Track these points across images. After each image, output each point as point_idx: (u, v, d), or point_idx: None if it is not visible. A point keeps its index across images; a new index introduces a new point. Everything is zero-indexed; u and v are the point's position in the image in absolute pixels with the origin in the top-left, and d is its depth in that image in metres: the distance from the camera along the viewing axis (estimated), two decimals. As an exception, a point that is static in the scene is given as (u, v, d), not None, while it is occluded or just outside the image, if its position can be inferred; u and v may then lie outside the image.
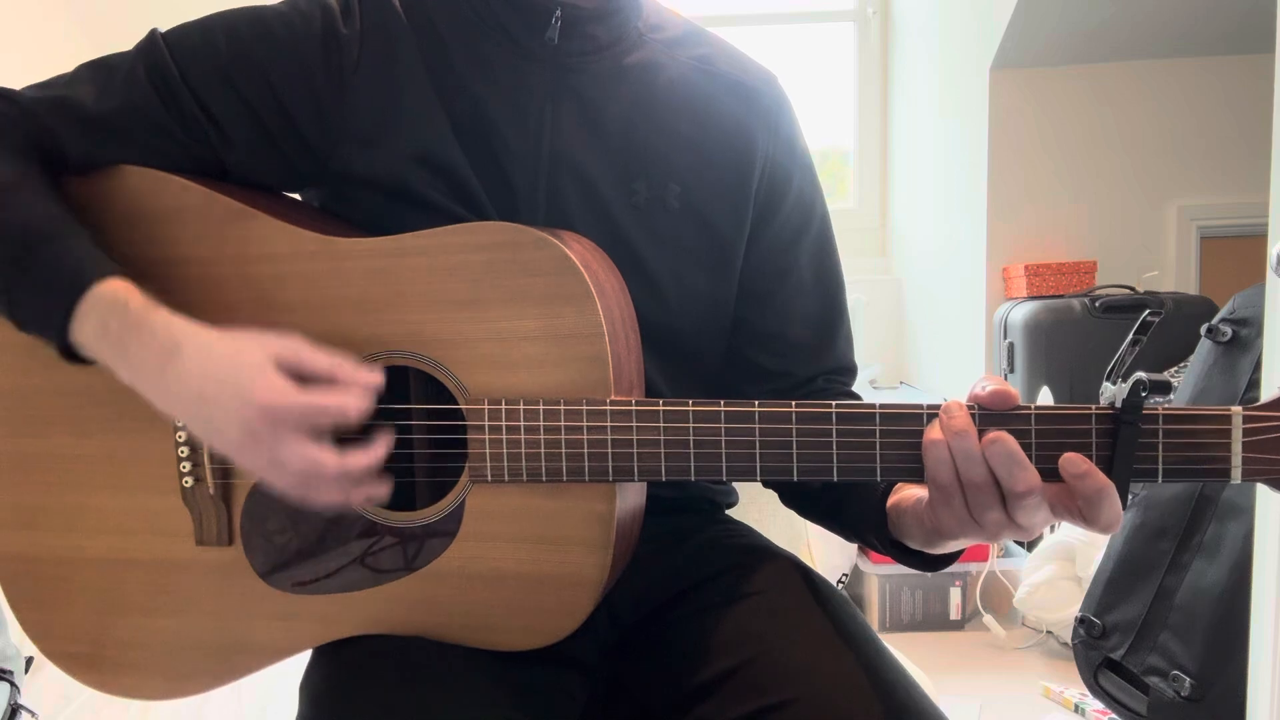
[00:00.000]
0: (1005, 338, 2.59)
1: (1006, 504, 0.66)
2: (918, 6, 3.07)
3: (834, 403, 0.71)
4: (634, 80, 0.89)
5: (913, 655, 0.92)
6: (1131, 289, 2.52)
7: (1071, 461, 0.65)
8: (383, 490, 0.74)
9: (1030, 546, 2.38)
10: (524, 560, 0.77)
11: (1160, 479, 0.67)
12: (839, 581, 2.43)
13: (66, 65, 0.86)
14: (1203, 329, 1.89)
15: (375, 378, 0.73)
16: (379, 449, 0.73)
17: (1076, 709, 1.97)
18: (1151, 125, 2.65)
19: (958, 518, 0.67)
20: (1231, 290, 1.93)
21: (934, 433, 0.67)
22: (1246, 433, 0.65)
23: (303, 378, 0.71)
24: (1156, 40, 2.53)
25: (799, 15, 3.33)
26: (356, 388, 0.72)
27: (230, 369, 0.71)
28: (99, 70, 0.84)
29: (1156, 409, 0.66)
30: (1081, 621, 1.94)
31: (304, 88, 0.84)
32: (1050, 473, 0.66)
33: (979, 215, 2.72)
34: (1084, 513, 0.66)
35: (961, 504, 0.67)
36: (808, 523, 0.98)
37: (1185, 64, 2.60)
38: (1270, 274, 1.34)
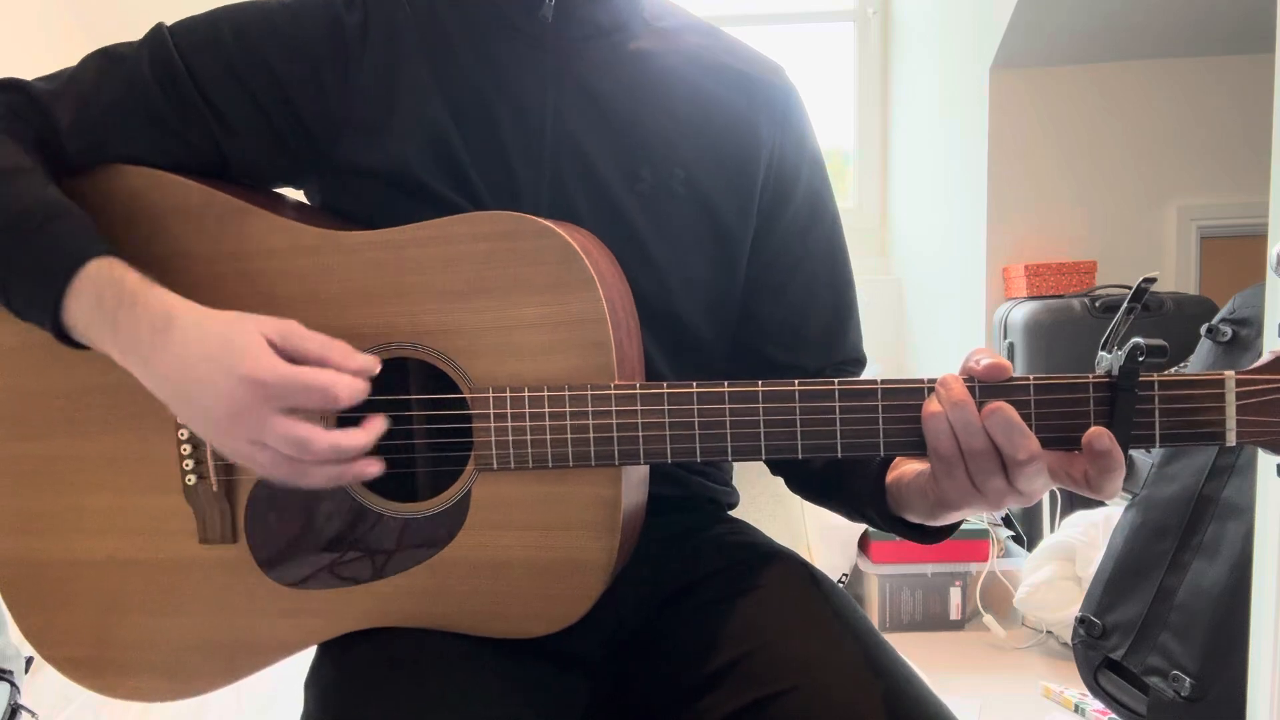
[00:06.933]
0: (1005, 338, 2.59)
1: (1008, 471, 0.68)
2: (918, 6, 3.07)
3: (836, 380, 0.72)
4: (636, 66, 0.89)
5: (913, 655, 0.91)
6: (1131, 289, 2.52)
7: (1097, 437, 0.67)
8: (374, 468, 0.73)
9: (1030, 546, 2.38)
10: (531, 547, 0.77)
11: (1157, 444, 0.69)
12: (839, 581, 2.43)
13: (70, 60, 0.86)
14: (1203, 329, 1.89)
15: (369, 360, 0.72)
16: (373, 428, 0.72)
17: (1076, 709, 1.97)
18: (1152, 125, 2.65)
19: (960, 488, 0.69)
20: (1231, 290, 1.93)
21: (933, 406, 0.69)
22: (1240, 396, 0.68)
23: (297, 360, 0.70)
24: (1157, 40, 2.53)
25: (799, 15, 3.33)
26: (349, 371, 0.71)
27: (220, 345, 0.70)
28: (104, 62, 0.84)
29: (1152, 375, 0.68)
30: (1081, 621, 1.94)
31: (308, 79, 0.84)
32: (1050, 441, 0.68)
33: (979, 215, 2.72)
34: (1093, 482, 0.68)
35: (964, 474, 0.69)
36: (807, 523, 0.98)
37: (1185, 64, 2.60)
38: (1270, 274, 1.34)
